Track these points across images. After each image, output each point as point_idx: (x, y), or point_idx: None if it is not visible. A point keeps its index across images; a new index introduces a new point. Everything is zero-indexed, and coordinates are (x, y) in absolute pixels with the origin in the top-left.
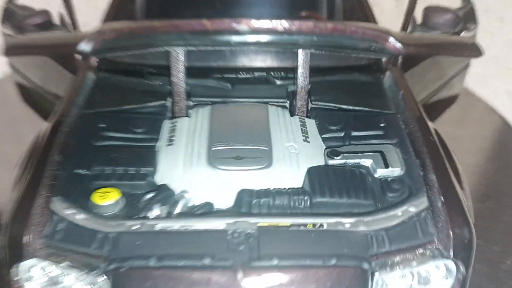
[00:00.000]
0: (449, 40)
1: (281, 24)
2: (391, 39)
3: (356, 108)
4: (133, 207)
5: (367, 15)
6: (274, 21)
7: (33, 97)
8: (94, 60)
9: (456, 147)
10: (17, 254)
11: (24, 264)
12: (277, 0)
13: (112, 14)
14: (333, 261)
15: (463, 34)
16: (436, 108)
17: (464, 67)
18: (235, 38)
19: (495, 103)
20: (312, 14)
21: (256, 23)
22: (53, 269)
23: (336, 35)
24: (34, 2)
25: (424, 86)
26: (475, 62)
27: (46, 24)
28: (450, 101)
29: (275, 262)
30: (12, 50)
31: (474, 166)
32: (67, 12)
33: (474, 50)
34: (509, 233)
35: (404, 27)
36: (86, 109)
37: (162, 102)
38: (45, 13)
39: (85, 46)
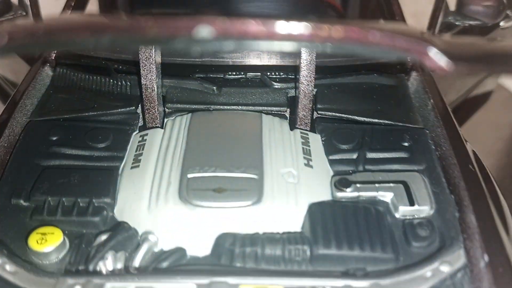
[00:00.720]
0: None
1: (262, 26)
2: (433, 52)
3: (374, 120)
4: (80, 253)
5: (392, 7)
6: (251, 22)
7: None
8: (51, 54)
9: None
10: None
11: None
12: None
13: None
14: None
15: (502, 23)
16: (468, 107)
17: None
18: (193, 47)
19: None
20: None
21: (224, 25)
22: None
23: (350, 44)
24: None
25: (456, 86)
26: None
27: (5, 5)
28: (484, 99)
29: None
30: None
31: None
32: None
33: None
34: None
35: (434, 15)
36: (36, 116)
37: (131, 108)
38: None
39: None
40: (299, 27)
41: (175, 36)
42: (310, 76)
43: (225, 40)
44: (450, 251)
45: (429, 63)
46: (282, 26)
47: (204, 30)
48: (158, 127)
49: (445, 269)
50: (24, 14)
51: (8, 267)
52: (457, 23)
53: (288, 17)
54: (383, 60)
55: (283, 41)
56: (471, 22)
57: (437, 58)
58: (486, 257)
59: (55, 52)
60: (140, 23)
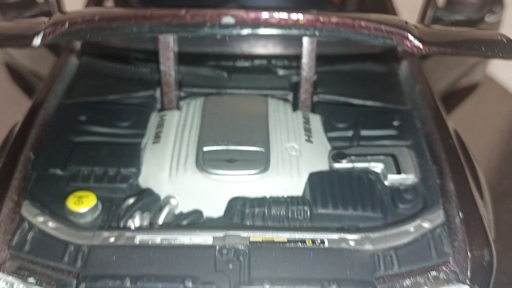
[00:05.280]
0: (480, 37)
1: (276, 16)
2: (410, 37)
3: (367, 103)
4: (111, 213)
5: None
6: (266, 13)
7: (22, 78)
8: (77, 43)
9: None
10: None
11: None
12: None
13: None
14: (334, 286)
15: (487, 17)
16: (455, 97)
17: None
18: (220, 31)
19: None
20: None
21: (245, 15)
22: (19, 285)
23: (342, 31)
24: None
25: (443, 75)
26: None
27: (29, 2)
28: (470, 90)
29: (266, 286)
30: None
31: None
32: None
33: (506, 50)
34: None
35: (424, 11)
36: (66, 99)
37: (150, 92)
38: None
39: (36, 41)
40: (302, 16)
41: (206, 23)
42: (311, 63)
43: (243, 26)
44: (430, 211)
45: (408, 44)
46: (288, 15)
47: (228, 19)
48: (175, 108)
49: (426, 225)
50: (49, 9)
51: (50, 223)
52: (445, 18)
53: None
54: (377, 50)
55: (288, 27)
56: (458, 17)
57: (413, 41)
58: (461, 215)
59: (81, 42)
60: (179, 12)
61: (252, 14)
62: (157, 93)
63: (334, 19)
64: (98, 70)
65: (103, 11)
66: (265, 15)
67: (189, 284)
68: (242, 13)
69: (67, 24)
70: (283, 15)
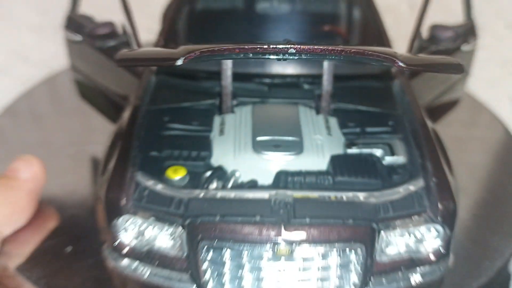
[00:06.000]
0: (439, 61)
1: (316, 47)
2: (397, 61)
3: (370, 109)
4: (195, 181)
5: (381, 33)
6: (312, 46)
7: (90, 94)
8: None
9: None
10: (115, 212)
11: (121, 219)
12: (304, 16)
13: (165, 33)
14: (350, 221)
15: (463, 46)
16: (440, 110)
17: (464, 74)
18: (285, 56)
19: (497, 106)
20: (334, 28)
21: (299, 47)
22: (142, 223)
23: (357, 56)
24: (90, 10)
25: (428, 91)
26: (482, 67)
27: (112, 34)
28: (453, 104)
29: (307, 220)
30: (124, 62)
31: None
32: (129, 24)
33: (458, 69)
34: None
35: (412, 42)
36: (151, 106)
37: (212, 101)
38: (111, 24)
39: (180, 62)
40: (328, 48)
41: (279, 52)
42: (329, 80)
43: (299, 54)
44: (414, 179)
45: (396, 65)
46: (326, 47)
47: (292, 50)
48: (231, 112)
49: (411, 188)
50: (126, 40)
51: (158, 185)
52: (428, 48)
53: (315, 42)
54: (377, 71)
55: (324, 55)
56: (438, 47)
57: (399, 63)
58: (434, 180)
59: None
60: (263, 47)
61: (305, 46)
62: (217, 102)
63: (353, 50)
64: (172, 85)
65: (219, 46)
66: (314, 47)
67: (257, 218)
68: (299, 46)
69: (198, 52)
70: (322, 46)
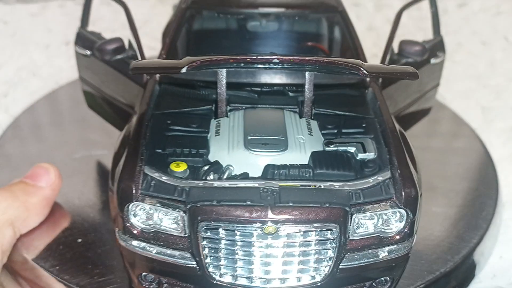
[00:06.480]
0: (397, 70)
1: (295, 58)
2: (361, 69)
3: (346, 113)
4: (195, 174)
5: (357, 48)
6: (291, 57)
7: (97, 103)
8: (157, 76)
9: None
10: (126, 199)
11: (131, 205)
12: (290, 34)
13: (166, 49)
14: (327, 205)
15: (432, 60)
16: (412, 117)
17: (435, 85)
18: (268, 65)
19: (470, 115)
20: (316, 45)
21: (281, 58)
22: (149, 209)
23: (329, 66)
24: (97, 28)
25: (400, 99)
26: (457, 80)
27: (120, 48)
28: (424, 112)
29: (290, 204)
30: (137, 70)
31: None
32: (135, 40)
33: (413, 76)
34: None
35: (384, 55)
36: (155, 111)
37: (209, 107)
38: (119, 40)
39: (184, 70)
40: (304, 59)
41: (265, 62)
42: (310, 89)
43: (282, 64)
44: (382, 171)
45: (360, 72)
46: (305, 57)
47: (276, 61)
48: (225, 116)
49: (380, 178)
50: (132, 54)
51: (163, 177)
52: (399, 60)
53: (295, 55)
54: (353, 81)
55: (302, 65)
56: (408, 60)
57: (363, 71)
58: (399, 172)
59: (159, 75)
60: (252, 57)
61: (286, 57)
62: (213, 107)
63: (325, 60)
64: (173, 93)
65: (216, 57)
66: (293, 58)
67: (249, 202)
68: (282, 57)
69: (199, 62)
70: (300, 57)
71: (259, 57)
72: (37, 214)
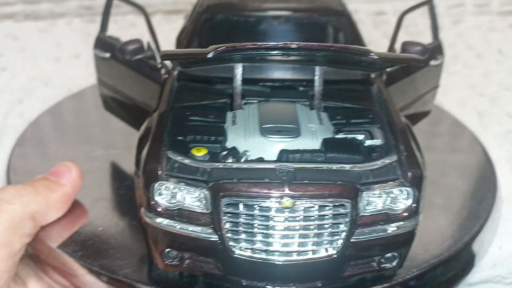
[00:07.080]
0: (403, 56)
1: (312, 44)
2: (371, 54)
3: (354, 106)
4: (215, 158)
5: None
6: (308, 43)
7: (115, 105)
8: (175, 74)
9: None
10: (152, 179)
11: (157, 185)
12: (298, 35)
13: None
14: (339, 182)
15: (432, 62)
16: (413, 118)
17: (434, 87)
18: (287, 52)
19: (468, 120)
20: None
21: (299, 44)
22: (174, 188)
23: (339, 50)
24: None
25: (401, 98)
26: (454, 89)
27: (139, 49)
28: (424, 114)
29: (305, 181)
30: (167, 57)
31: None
32: (153, 41)
33: (418, 61)
34: None
35: None
36: (175, 104)
37: (224, 100)
38: (139, 41)
39: (210, 54)
40: (320, 44)
41: (283, 48)
42: (320, 83)
43: (300, 50)
44: (389, 155)
45: (370, 57)
46: (316, 44)
47: (294, 46)
48: (241, 109)
49: (387, 161)
50: (151, 54)
51: (185, 160)
52: None
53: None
54: (360, 77)
55: (316, 50)
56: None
57: (373, 56)
58: (405, 154)
59: (177, 72)
60: (271, 43)
61: (303, 43)
62: (229, 101)
63: (338, 46)
64: (191, 88)
65: (239, 43)
66: (310, 44)
67: (267, 180)
68: (299, 42)
69: (224, 47)
70: (317, 44)
71: (278, 43)
72: (57, 209)
